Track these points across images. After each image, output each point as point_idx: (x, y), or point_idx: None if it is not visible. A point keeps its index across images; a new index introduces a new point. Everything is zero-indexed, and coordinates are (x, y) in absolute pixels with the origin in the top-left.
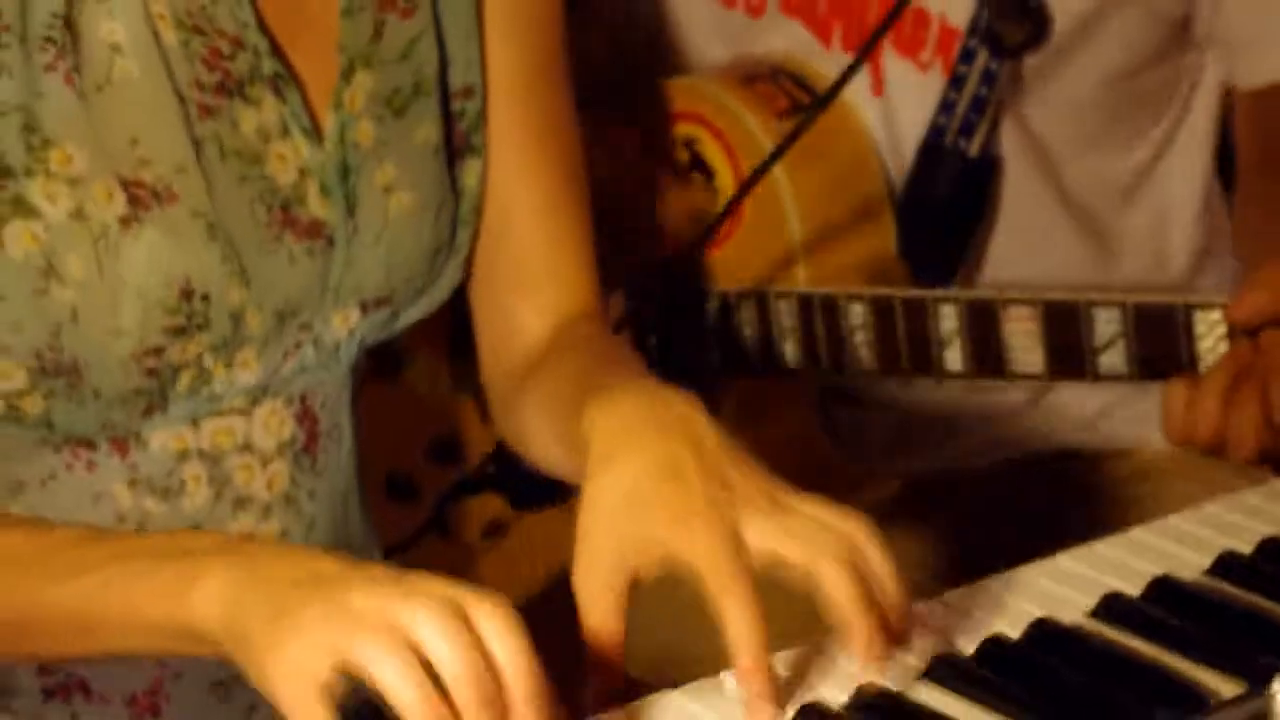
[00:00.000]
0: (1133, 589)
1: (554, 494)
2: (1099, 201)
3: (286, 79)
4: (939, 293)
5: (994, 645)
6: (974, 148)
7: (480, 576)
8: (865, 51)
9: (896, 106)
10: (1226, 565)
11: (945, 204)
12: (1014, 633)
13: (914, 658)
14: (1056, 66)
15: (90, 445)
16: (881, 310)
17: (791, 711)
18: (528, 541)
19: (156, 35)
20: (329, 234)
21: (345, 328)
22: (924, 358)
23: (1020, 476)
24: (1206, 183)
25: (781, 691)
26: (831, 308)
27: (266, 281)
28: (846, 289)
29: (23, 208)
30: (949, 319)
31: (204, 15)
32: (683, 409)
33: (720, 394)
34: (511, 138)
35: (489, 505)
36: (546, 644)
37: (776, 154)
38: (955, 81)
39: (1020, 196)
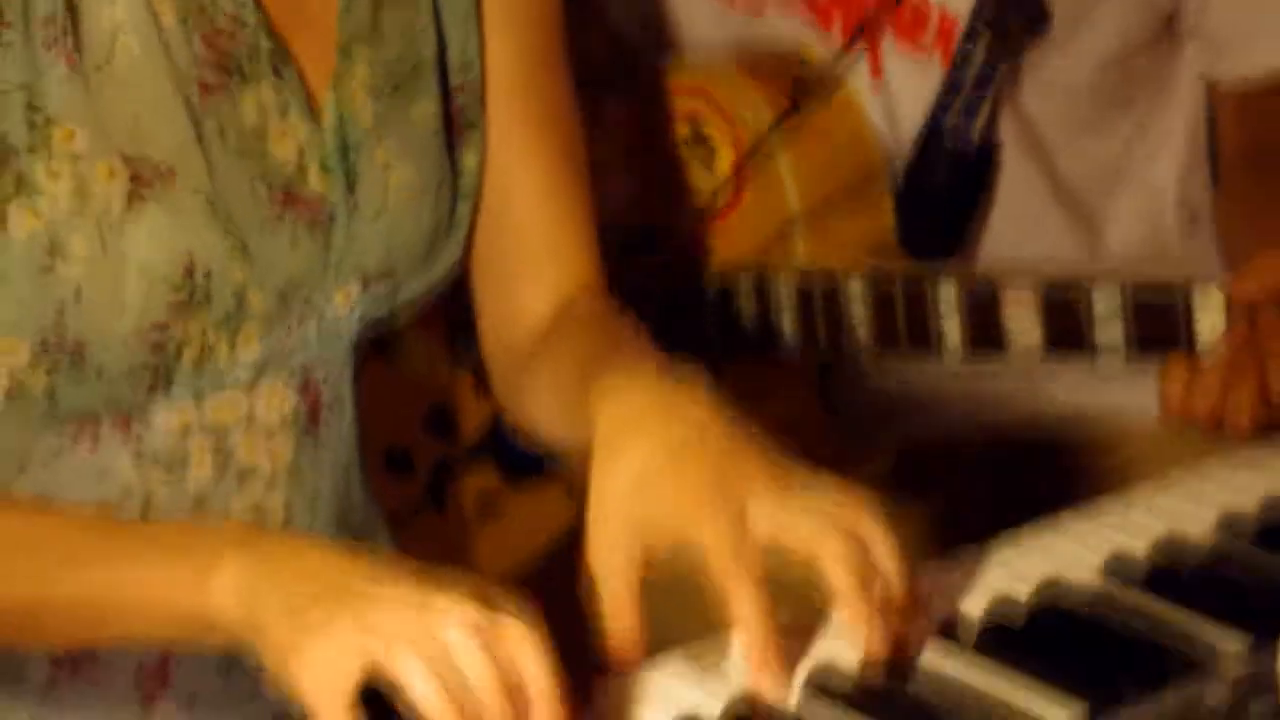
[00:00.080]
0: (1138, 548)
1: (549, 465)
2: (1089, 185)
3: (285, 58)
4: (938, 271)
5: (1002, 606)
6: (973, 135)
7: (474, 550)
8: (864, 32)
9: (896, 95)
10: (1230, 523)
11: (944, 190)
12: (1021, 593)
13: (923, 619)
14: (1052, 54)
15: (94, 422)
16: (880, 288)
17: (802, 675)
18: (521, 515)
19: (156, 15)
20: (330, 211)
21: (347, 304)
22: (923, 336)
23: (1015, 452)
24: (1194, 160)
25: (792, 656)
26: (831, 286)
27: (268, 259)
28: (845, 267)
29: (26, 187)
30: (948, 297)
31: None
32: (690, 388)
33: (718, 372)
34: (512, 123)
35: (482, 479)
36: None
37: (775, 127)
38: (955, 71)
39: (1015, 182)
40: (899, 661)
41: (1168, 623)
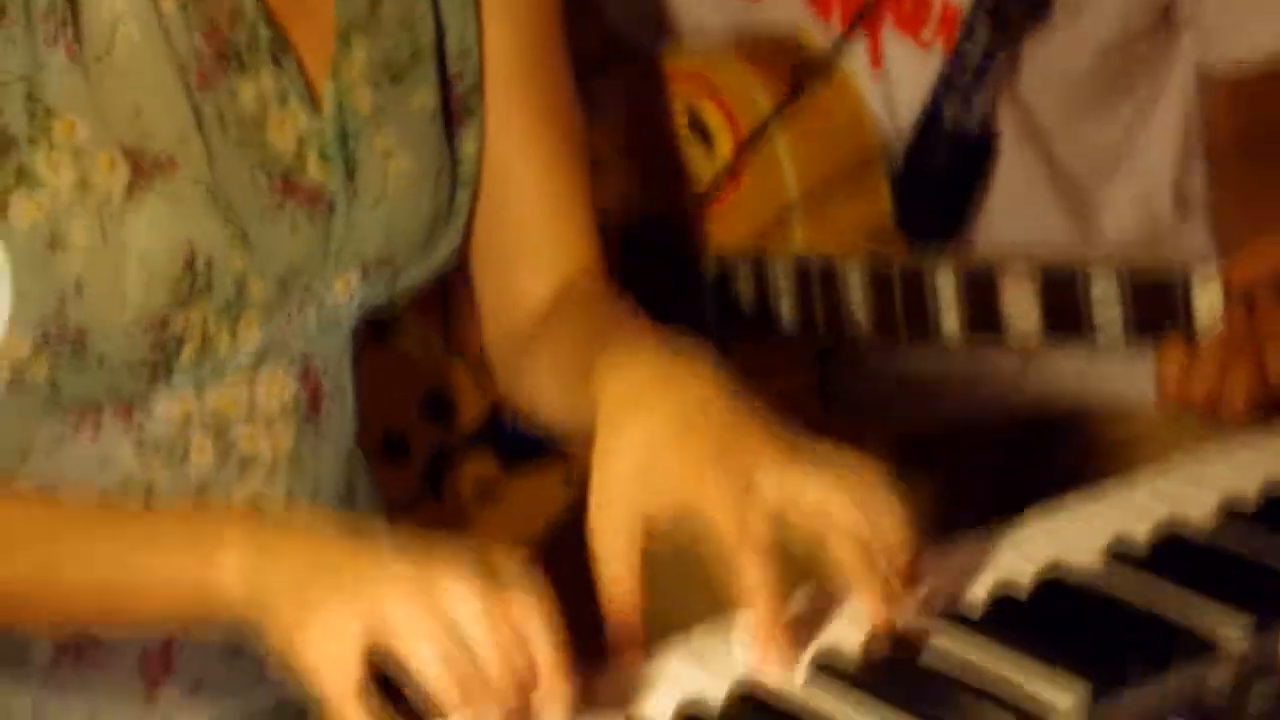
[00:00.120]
0: (1140, 533)
1: (546, 450)
2: (1086, 169)
3: (284, 47)
4: (936, 255)
5: (1005, 589)
6: (972, 123)
7: (472, 537)
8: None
9: (895, 84)
10: (1232, 508)
11: (941, 175)
12: (1025, 577)
13: (926, 602)
14: (1052, 41)
15: (96, 411)
16: (879, 274)
17: (805, 657)
18: (519, 501)
19: (156, 3)
20: (329, 200)
21: (346, 292)
22: (921, 320)
23: (1012, 438)
24: (1187, 150)
25: (796, 637)
26: (829, 270)
27: (268, 247)
28: (844, 253)
29: (27, 178)
30: (946, 282)
31: None
32: (693, 363)
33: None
34: (511, 110)
35: (480, 467)
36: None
37: (773, 115)
38: (956, 59)
39: (1012, 169)
40: (904, 641)
41: (1170, 605)
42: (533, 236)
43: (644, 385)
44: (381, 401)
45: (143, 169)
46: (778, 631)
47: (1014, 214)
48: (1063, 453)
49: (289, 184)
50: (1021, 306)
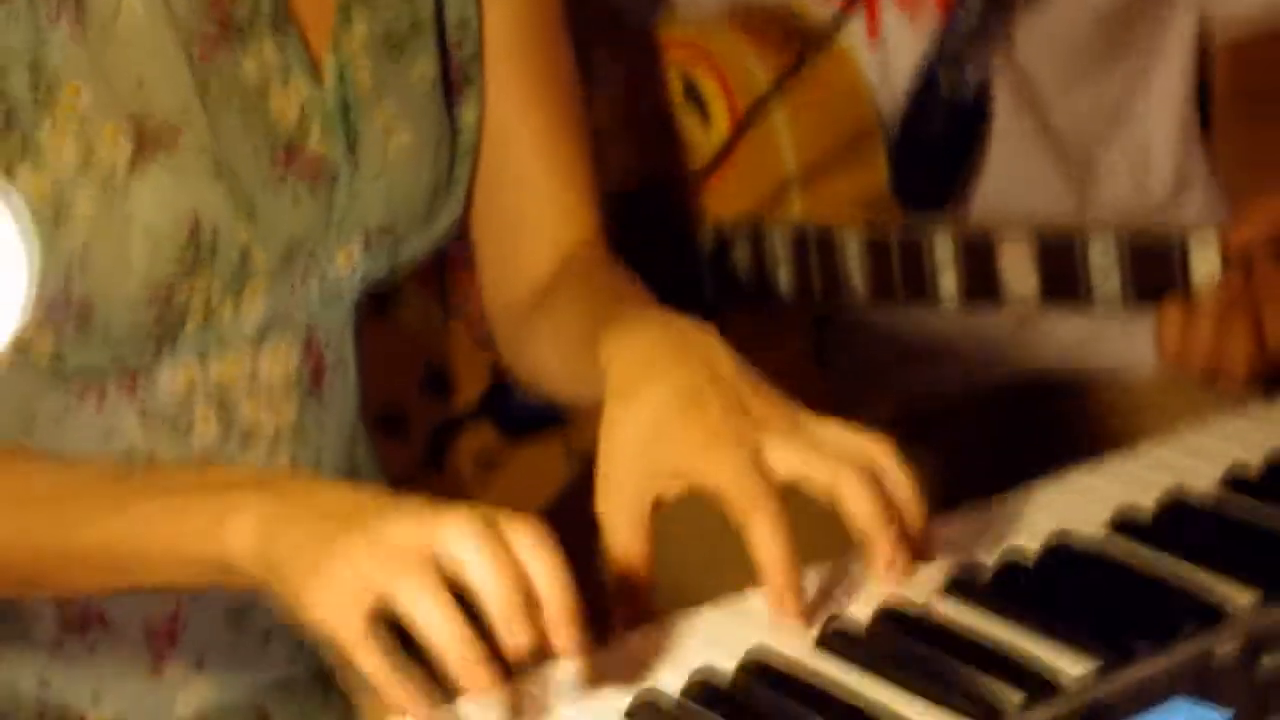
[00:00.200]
0: (1145, 503)
1: (546, 424)
2: (1082, 136)
3: (285, 19)
4: (934, 222)
5: (1012, 560)
6: (967, 90)
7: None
8: None
9: (892, 52)
10: (1237, 477)
11: (937, 143)
12: (1031, 547)
13: (934, 573)
14: (1047, 7)
15: (100, 382)
16: (876, 241)
17: (817, 626)
18: (520, 473)
19: None
20: (331, 171)
21: (349, 264)
22: (919, 287)
23: (1010, 402)
24: (1185, 113)
25: (808, 607)
26: (826, 239)
27: (272, 218)
28: (841, 221)
29: (32, 151)
30: (944, 248)
31: None
32: (698, 337)
33: (714, 324)
34: (510, 81)
35: (481, 437)
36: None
37: (773, 91)
38: (951, 24)
39: (1008, 134)
40: (910, 615)
41: (1177, 576)
42: (533, 205)
43: (651, 357)
44: (381, 375)
45: (146, 140)
46: (791, 601)
47: (1010, 181)
48: (1062, 418)
49: (291, 155)
50: (1019, 270)
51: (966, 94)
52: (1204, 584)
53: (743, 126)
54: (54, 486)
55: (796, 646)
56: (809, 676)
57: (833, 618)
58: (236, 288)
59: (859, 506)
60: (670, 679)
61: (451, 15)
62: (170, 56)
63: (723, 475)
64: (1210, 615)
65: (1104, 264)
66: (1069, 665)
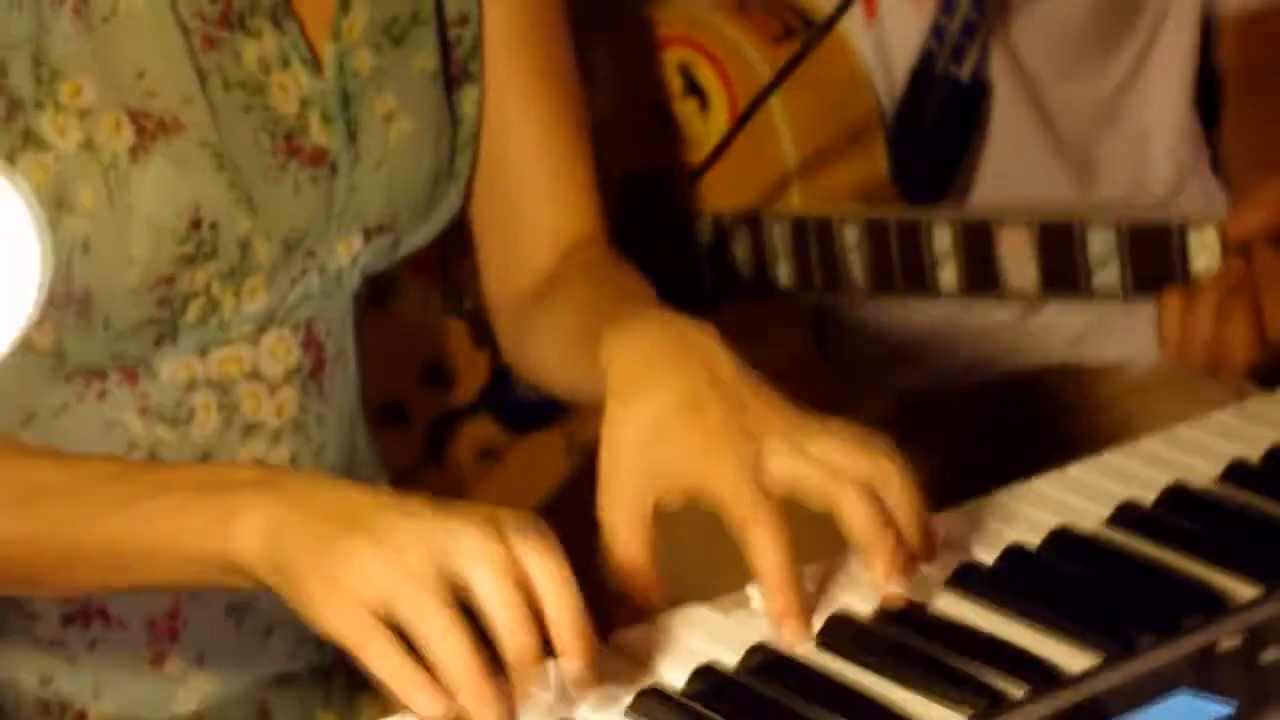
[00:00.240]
0: (1146, 497)
1: (546, 417)
2: (1081, 124)
3: (285, 10)
4: (933, 213)
5: (1014, 554)
6: (964, 73)
7: (474, 502)
8: None
9: (889, 35)
10: (1238, 471)
11: (936, 129)
12: (1033, 542)
13: (936, 568)
14: None
15: (101, 375)
16: (876, 231)
17: (818, 623)
18: (520, 466)
19: None
20: (332, 162)
21: (349, 255)
22: (918, 277)
23: (1010, 394)
24: (1184, 104)
25: (808, 605)
26: (826, 229)
27: (273, 209)
28: (840, 210)
29: (33, 140)
30: (943, 239)
31: None
32: (699, 338)
33: (713, 317)
34: (510, 74)
35: (481, 430)
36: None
37: (774, 84)
38: (948, 7)
39: (1007, 121)
40: (913, 610)
41: (1179, 570)
42: (534, 197)
43: (651, 358)
44: (381, 367)
45: (147, 130)
46: (792, 607)
47: (1009, 169)
48: (1057, 407)
49: (292, 146)
50: (1019, 259)
51: (963, 78)
52: (1206, 576)
53: (743, 119)
54: (55, 484)
55: (803, 643)
56: (812, 671)
57: (837, 611)
58: (237, 279)
59: (858, 521)
60: (673, 674)
61: (451, 9)
62: (171, 47)
63: (722, 483)
64: (1213, 607)
65: (1103, 252)
66: (1072, 658)
